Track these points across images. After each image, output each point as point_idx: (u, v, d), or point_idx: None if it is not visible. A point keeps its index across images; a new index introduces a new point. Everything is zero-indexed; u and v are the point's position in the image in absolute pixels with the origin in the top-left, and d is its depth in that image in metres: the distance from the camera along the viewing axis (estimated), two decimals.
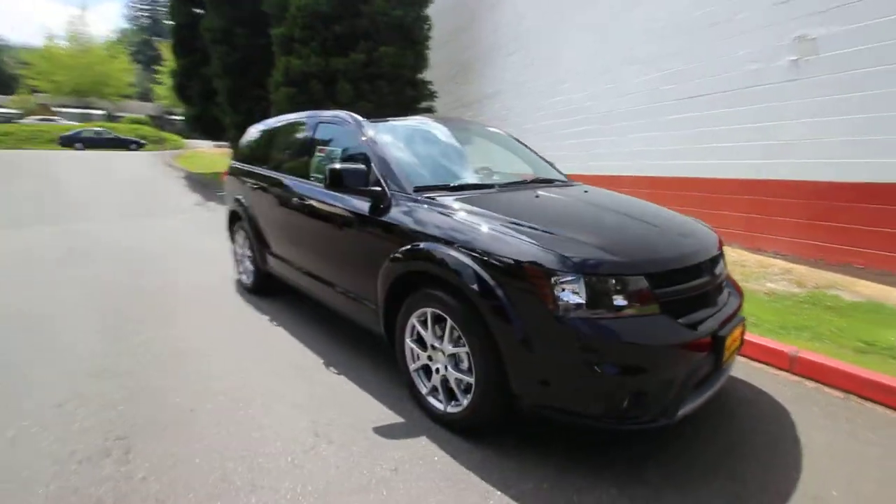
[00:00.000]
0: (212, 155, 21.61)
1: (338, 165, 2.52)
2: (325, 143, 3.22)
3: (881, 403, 2.48)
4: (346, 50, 10.50)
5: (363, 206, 2.63)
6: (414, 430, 2.22)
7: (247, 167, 4.15)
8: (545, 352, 1.79)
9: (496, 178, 2.90)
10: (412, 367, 2.37)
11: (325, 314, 3.64)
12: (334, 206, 2.84)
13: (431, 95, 11.53)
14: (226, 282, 4.56)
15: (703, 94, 5.59)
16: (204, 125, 16.35)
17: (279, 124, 3.97)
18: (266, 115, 5.07)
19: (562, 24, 8.15)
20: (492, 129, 3.79)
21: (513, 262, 1.88)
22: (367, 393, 2.56)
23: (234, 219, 4.37)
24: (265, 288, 4.06)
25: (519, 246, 1.91)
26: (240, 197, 4.16)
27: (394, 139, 2.84)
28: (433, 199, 2.38)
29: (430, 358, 2.27)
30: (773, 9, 4.78)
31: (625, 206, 2.52)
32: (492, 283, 1.90)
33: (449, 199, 2.36)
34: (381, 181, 2.55)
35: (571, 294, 1.77)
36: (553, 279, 1.78)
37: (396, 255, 2.32)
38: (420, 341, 2.32)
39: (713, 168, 5.53)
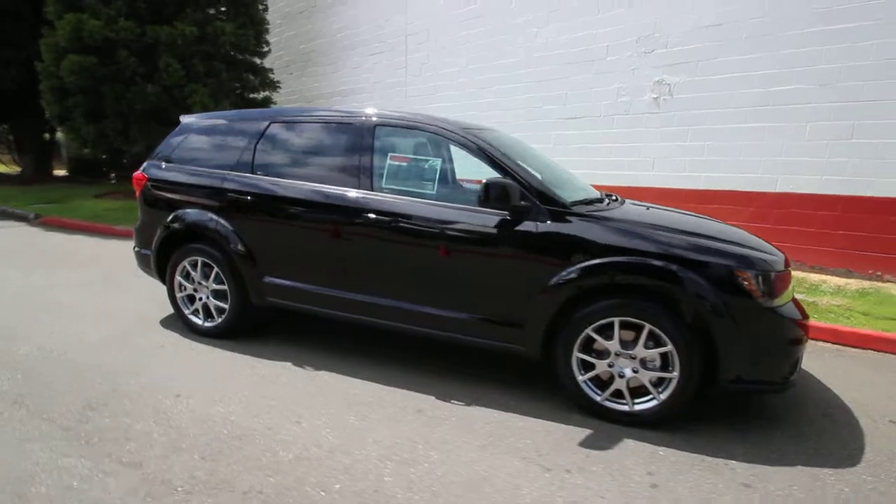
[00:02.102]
0: None
1: (496, 179, 2.37)
2: (395, 149, 2.85)
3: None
4: (169, 18, 8.51)
5: (491, 221, 2.53)
6: (613, 434, 2.35)
7: (215, 175, 3.21)
8: (755, 337, 2.22)
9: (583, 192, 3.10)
10: (582, 378, 2.46)
11: (349, 342, 3.36)
12: (449, 222, 2.61)
13: (274, 85, 10.38)
14: (151, 330, 3.47)
15: (583, 116, 6.85)
16: None
17: (287, 121, 3.21)
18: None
19: (444, 32, 8.51)
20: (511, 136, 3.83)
21: (724, 266, 2.23)
22: (528, 416, 2.51)
23: (176, 243, 3.34)
24: (244, 328, 3.31)
25: (720, 251, 2.28)
26: (205, 214, 3.19)
27: (503, 149, 2.76)
28: (593, 213, 2.51)
29: (610, 365, 2.42)
30: (641, 56, 6.26)
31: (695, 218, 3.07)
32: (707, 286, 2.21)
33: (609, 213, 2.53)
34: (529, 196, 2.50)
35: (761, 288, 2.25)
36: (757, 277, 2.22)
37: (575, 270, 2.37)
38: (591, 352, 2.44)
39: (591, 178, 6.85)
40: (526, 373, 2.94)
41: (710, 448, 2.26)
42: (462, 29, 8.23)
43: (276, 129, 3.17)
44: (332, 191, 2.89)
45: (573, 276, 2.38)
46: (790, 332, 2.29)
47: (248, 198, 3.10)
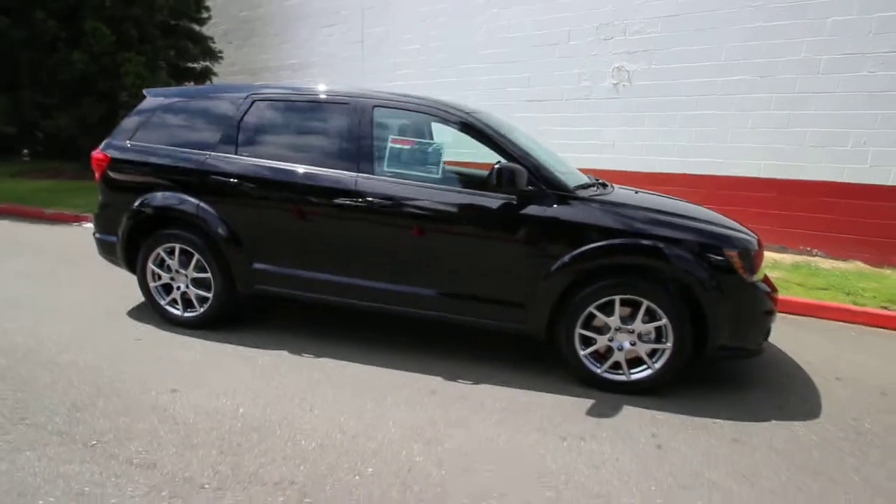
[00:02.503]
0: None
1: (507, 164, 2.43)
2: (395, 132, 2.81)
3: None
4: None
5: (495, 204, 2.60)
6: (614, 402, 2.53)
7: (195, 156, 3.00)
8: (741, 309, 2.48)
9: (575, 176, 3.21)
10: (583, 352, 2.62)
11: (339, 327, 3.33)
12: (454, 206, 2.65)
13: (215, 55, 9.67)
14: (121, 323, 3.23)
15: (546, 100, 7.02)
16: None
17: (271, 96, 3.04)
18: None
19: (403, 8, 8.27)
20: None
21: (716, 246, 2.45)
22: (534, 391, 2.64)
23: (147, 229, 3.13)
24: (224, 317, 3.18)
25: (713, 234, 2.50)
26: (182, 197, 2.99)
27: (510, 134, 2.80)
28: (595, 197, 2.64)
29: (610, 339, 2.59)
30: (601, 42, 6.48)
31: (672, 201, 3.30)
32: (700, 265, 2.42)
33: (608, 197, 2.67)
34: (536, 181, 2.58)
35: (744, 265, 2.50)
36: (742, 257, 2.46)
37: (581, 252, 2.49)
38: (592, 329, 2.60)
39: None
40: (522, 350, 3.07)
41: (697, 409, 2.51)
42: (422, 5, 8.06)
43: (261, 106, 3.00)
44: (330, 174, 2.80)
45: (579, 257, 2.50)
46: (765, 304, 2.57)
47: (236, 180, 2.93)
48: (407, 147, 2.79)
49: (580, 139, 6.82)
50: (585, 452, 2.14)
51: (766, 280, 2.76)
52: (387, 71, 8.76)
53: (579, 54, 6.68)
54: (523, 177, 2.48)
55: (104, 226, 3.30)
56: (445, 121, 2.78)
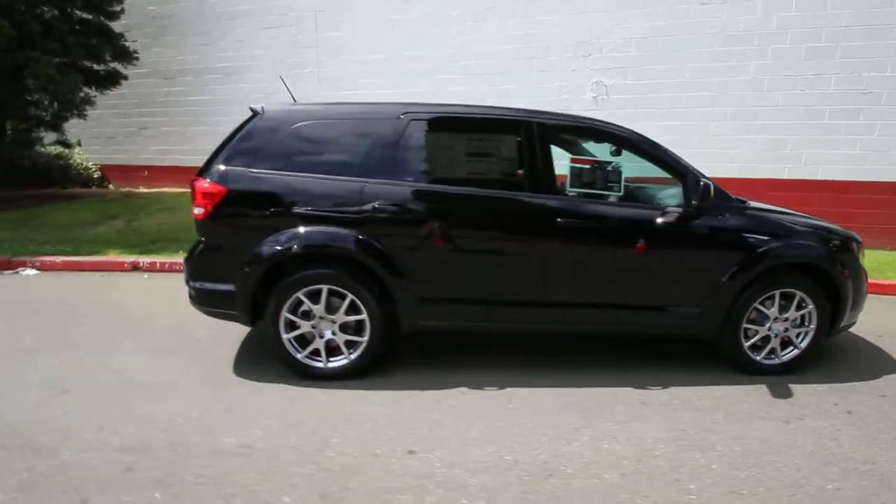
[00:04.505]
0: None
1: (706, 180, 2.64)
2: (570, 150, 2.86)
3: None
4: None
5: (672, 217, 2.82)
6: (778, 384, 2.90)
7: (349, 184, 2.67)
8: (859, 290, 3.02)
9: None
10: (747, 344, 2.96)
11: (493, 353, 3.24)
12: (642, 221, 2.81)
13: (130, 56, 8.29)
14: (246, 388, 2.81)
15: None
16: None
17: (430, 116, 2.86)
18: None
19: (365, 14, 7.95)
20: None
21: (850, 239, 3.01)
22: (714, 385, 2.90)
23: (280, 272, 2.72)
24: (376, 362, 2.87)
25: (844, 231, 3.05)
26: (338, 231, 2.65)
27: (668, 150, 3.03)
28: (751, 208, 3.00)
29: (769, 329, 2.96)
30: (580, 59, 7.04)
31: None
32: (843, 255, 2.94)
33: (757, 207, 3.04)
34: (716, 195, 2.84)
35: (860, 254, 3.08)
36: (860, 248, 3.03)
37: (756, 256, 2.82)
38: (751, 322, 2.96)
39: None
40: (660, 349, 3.31)
41: (834, 378, 3.01)
42: (390, 12, 7.86)
43: (418, 126, 2.78)
44: (508, 195, 2.73)
45: (756, 261, 2.83)
46: (866, 286, 3.18)
47: (403, 208, 2.69)
48: (587, 167, 2.84)
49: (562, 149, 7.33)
50: (811, 430, 2.46)
51: None
52: (348, 79, 8.34)
53: (558, 69, 7.17)
54: (712, 190, 2.73)
55: (211, 272, 2.74)
56: (613, 138, 2.90)
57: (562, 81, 7.18)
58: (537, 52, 7.22)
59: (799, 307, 2.96)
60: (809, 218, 3.22)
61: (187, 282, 2.81)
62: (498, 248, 2.76)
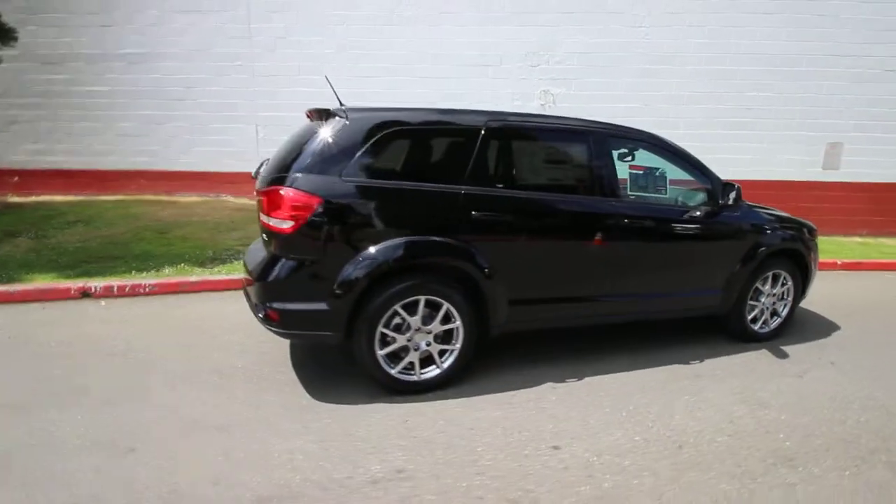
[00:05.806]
0: None
1: (735, 184, 3.16)
2: (627, 158, 3.20)
3: None
4: None
5: (701, 212, 3.31)
6: (772, 348, 3.59)
7: (447, 191, 2.67)
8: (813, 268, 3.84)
9: None
10: (749, 318, 3.59)
11: (554, 345, 3.50)
12: (688, 219, 3.27)
13: (8, 36, 6.91)
14: (337, 414, 2.72)
15: None
16: None
17: (515, 124, 3.01)
18: None
19: (310, 6, 7.53)
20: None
21: (813, 229, 3.76)
22: (737, 353, 3.47)
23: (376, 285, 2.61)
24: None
25: (808, 222, 3.80)
26: (436, 241, 2.65)
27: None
28: (750, 205, 3.61)
29: (763, 303, 3.63)
30: (529, 68, 7.53)
31: None
32: (808, 241, 3.71)
33: (753, 204, 3.68)
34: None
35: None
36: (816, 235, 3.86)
37: (765, 243, 3.45)
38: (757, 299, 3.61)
39: None
40: (664, 331, 3.81)
41: (806, 339, 3.80)
42: (338, 7, 7.56)
43: (499, 134, 2.86)
44: (590, 200, 2.98)
45: (764, 247, 3.46)
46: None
47: (500, 215, 2.76)
48: (641, 172, 3.18)
49: None
50: (818, 380, 3.11)
51: None
52: (289, 74, 7.84)
53: (511, 76, 7.59)
54: (740, 192, 3.28)
55: (298, 291, 2.51)
56: (656, 147, 3.31)
57: (513, 89, 7.62)
58: (492, 59, 7.56)
59: (783, 284, 3.68)
60: (777, 211, 4.00)
61: (263, 304, 2.54)
62: (577, 249, 2.98)
